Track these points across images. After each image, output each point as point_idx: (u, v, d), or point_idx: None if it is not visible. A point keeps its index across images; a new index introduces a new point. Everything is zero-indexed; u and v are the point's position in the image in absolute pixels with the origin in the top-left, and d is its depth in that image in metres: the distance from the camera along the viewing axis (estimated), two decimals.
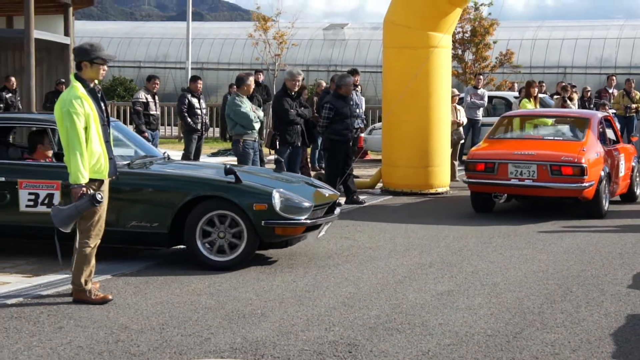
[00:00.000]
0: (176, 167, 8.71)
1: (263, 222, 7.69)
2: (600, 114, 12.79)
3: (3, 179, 7.98)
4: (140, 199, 7.92)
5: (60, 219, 6.43)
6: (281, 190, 7.93)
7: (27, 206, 7.89)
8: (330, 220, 8.42)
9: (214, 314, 6.29)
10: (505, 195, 11.97)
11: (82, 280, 6.53)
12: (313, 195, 8.33)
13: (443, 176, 13.78)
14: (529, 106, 14.62)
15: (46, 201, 7.85)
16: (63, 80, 18.34)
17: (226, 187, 7.81)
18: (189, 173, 8.31)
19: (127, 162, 8.16)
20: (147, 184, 7.97)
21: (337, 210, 8.61)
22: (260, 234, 7.75)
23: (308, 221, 7.90)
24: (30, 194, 7.88)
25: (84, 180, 6.38)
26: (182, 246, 8.20)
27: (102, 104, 6.66)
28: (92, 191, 6.41)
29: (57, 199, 7.75)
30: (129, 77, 34.66)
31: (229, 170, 7.89)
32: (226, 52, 35.97)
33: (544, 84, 22.31)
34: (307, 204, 7.95)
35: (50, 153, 8.53)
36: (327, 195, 8.56)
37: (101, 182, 6.57)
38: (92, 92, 6.55)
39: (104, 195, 6.55)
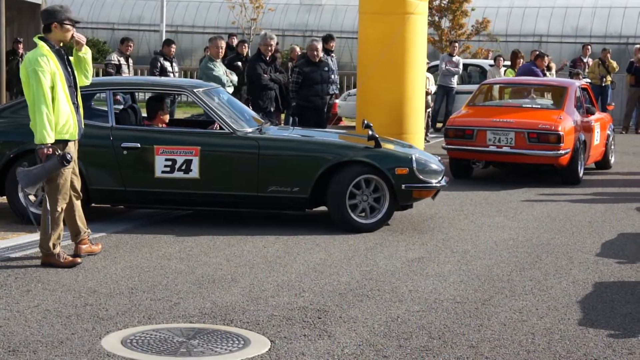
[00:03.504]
0: (307, 133, 8.88)
1: (403, 185, 7.96)
2: (577, 83, 12.89)
3: (138, 145, 7.89)
4: (281, 164, 7.98)
5: (27, 180, 6.35)
6: (417, 154, 8.17)
7: (162, 172, 7.88)
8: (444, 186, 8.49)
9: (184, 279, 6.27)
10: (484, 162, 12.06)
11: (50, 244, 6.47)
12: (436, 160, 8.50)
13: (417, 144, 13.73)
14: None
15: (183, 167, 7.85)
16: (21, 39, 18.12)
17: (369, 151, 8.01)
18: (329, 139, 8.48)
19: (255, 127, 8.22)
20: (289, 150, 8.08)
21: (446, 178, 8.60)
22: (399, 197, 8.00)
23: (439, 185, 8.16)
24: (167, 160, 7.86)
25: (50, 140, 6.28)
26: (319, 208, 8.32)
27: (69, 67, 6.56)
28: (59, 151, 6.33)
29: (195, 165, 7.80)
30: (102, 39, 34.14)
31: (370, 136, 8.07)
32: (201, 15, 35.55)
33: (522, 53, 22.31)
34: (438, 168, 8.22)
35: (167, 119, 8.48)
36: (441, 160, 8.73)
37: (66, 143, 6.48)
38: (58, 53, 6.45)
39: (73, 156, 6.47)
